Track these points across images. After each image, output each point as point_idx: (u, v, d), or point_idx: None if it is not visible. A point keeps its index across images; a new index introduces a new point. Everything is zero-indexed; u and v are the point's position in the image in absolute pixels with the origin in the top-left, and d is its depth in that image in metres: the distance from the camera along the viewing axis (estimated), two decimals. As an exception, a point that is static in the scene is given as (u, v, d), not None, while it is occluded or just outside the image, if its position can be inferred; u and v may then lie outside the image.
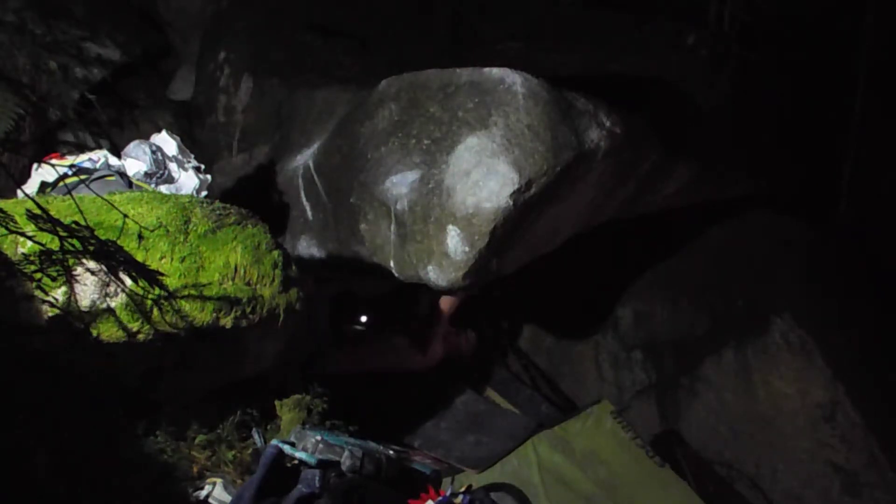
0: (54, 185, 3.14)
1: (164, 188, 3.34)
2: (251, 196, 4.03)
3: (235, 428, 2.76)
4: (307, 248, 3.86)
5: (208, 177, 3.62)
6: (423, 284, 3.40)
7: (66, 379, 2.15)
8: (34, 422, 1.88)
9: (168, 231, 2.54)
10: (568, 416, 4.07)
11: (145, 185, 3.24)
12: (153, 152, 3.39)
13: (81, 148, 4.15)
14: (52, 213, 1.89)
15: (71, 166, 3.19)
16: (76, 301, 2.21)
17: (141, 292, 2.28)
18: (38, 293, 2.14)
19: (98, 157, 3.30)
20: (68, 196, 2.52)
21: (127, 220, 2.37)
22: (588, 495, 3.61)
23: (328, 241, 3.78)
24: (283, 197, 4.01)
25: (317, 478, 2.32)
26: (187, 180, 3.46)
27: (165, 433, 2.50)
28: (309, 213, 3.88)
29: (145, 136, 3.62)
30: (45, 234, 1.86)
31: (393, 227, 3.38)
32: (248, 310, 2.57)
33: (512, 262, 3.53)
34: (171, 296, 2.36)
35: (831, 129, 4.95)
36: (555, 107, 3.14)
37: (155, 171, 3.36)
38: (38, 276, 1.90)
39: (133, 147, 3.42)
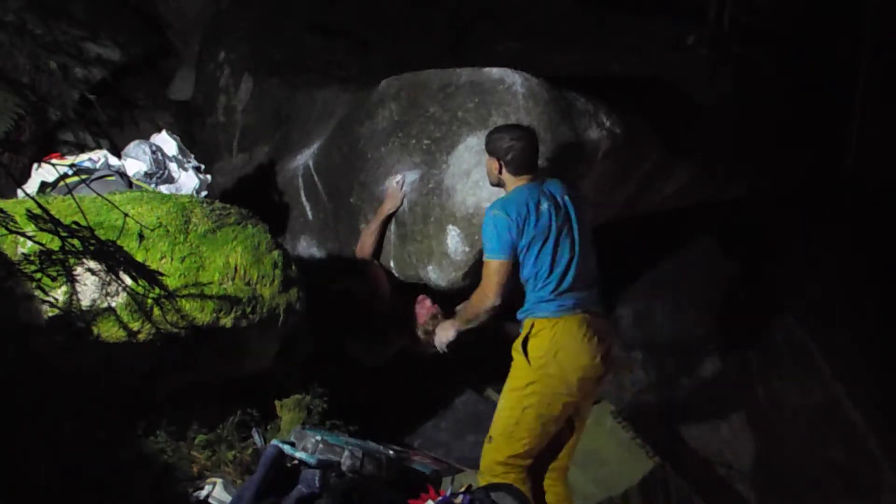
0: (54, 184, 3.14)
1: (164, 188, 3.34)
2: (251, 196, 4.02)
3: (235, 428, 2.76)
4: (307, 248, 3.86)
5: (208, 177, 3.62)
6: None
7: (66, 379, 2.15)
8: (34, 422, 1.88)
9: (168, 231, 2.55)
10: (568, 416, 4.06)
11: (145, 185, 3.24)
12: (153, 152, 3.39)
13: (81, 148, 4.15)
14: (53, 213, 1.89)
15: (71, 166, 3.19)
16: (77, 301, 2.21)
17: (141, 292, 2.28)
18: (38, 293, 2.14)
19: (98, 157, 3.30)
20: (68, 196, 2.52)
21: (127, 220, 2.38)
22: (588, 495, 3.62)
23: (328, 241, 3.77)
24: (283, 197, 4.00)
25: (317, 478, 2.32)
26: (187, 180, 3.46)
27: (165, 433, 2.50)
28: (309, 213, 3.88)
29: (145, 136, 3.62)
30: (45, 234, 1.86)
31: (393, 227, 3.38)
32: (248, 310, 2.57)
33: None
34: (172, 295, 2.36)
35: (831, 128, 4.95)
36: (555, 107, 3.14)
37: (155, 171, 3.35)
38: (38, 276, 1.89)
39: (133, 147, 3.41)
